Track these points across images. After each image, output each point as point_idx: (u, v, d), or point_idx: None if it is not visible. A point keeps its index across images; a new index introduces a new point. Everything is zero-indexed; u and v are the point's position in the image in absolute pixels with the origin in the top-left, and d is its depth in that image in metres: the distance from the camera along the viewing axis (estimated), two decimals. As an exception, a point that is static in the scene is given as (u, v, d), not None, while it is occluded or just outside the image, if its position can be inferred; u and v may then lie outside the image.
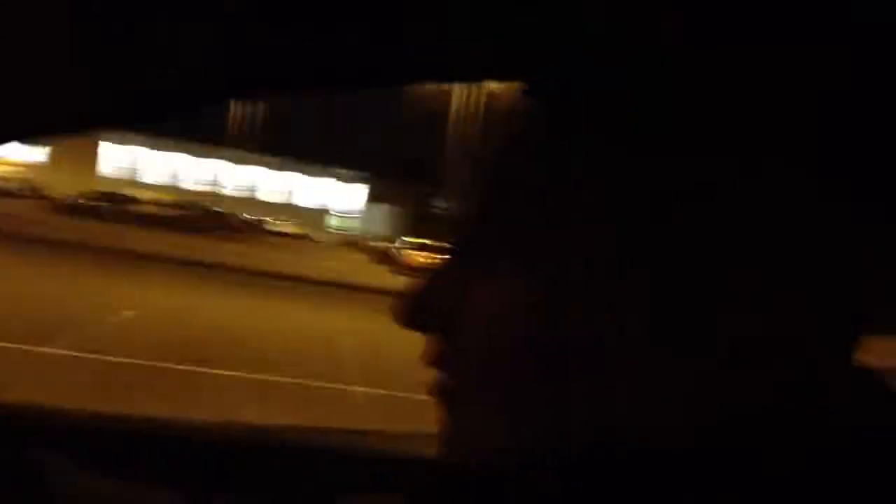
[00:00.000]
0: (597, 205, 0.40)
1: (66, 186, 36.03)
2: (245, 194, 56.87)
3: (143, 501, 0.98)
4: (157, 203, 33.58)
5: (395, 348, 5.29)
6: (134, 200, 32.16)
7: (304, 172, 58.95)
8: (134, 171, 54.79)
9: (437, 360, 0.46)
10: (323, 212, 58.48)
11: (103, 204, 30.37)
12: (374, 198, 58.72)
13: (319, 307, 11.90)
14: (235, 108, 56.01)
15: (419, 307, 0.47)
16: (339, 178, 59.65)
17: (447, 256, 0.48)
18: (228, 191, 56.08)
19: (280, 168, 58.12)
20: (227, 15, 0.50)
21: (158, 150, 55.70)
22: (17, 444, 1.02)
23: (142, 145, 55.39)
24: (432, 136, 53.16)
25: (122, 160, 54.43)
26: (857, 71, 0.38)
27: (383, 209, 56.63)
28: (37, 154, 48.77)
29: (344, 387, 6.34)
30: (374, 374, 6.89)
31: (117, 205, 30.88)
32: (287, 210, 55.30)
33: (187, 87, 0.59)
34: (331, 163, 60.07)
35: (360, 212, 58.99)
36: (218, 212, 37.35)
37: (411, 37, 0.50)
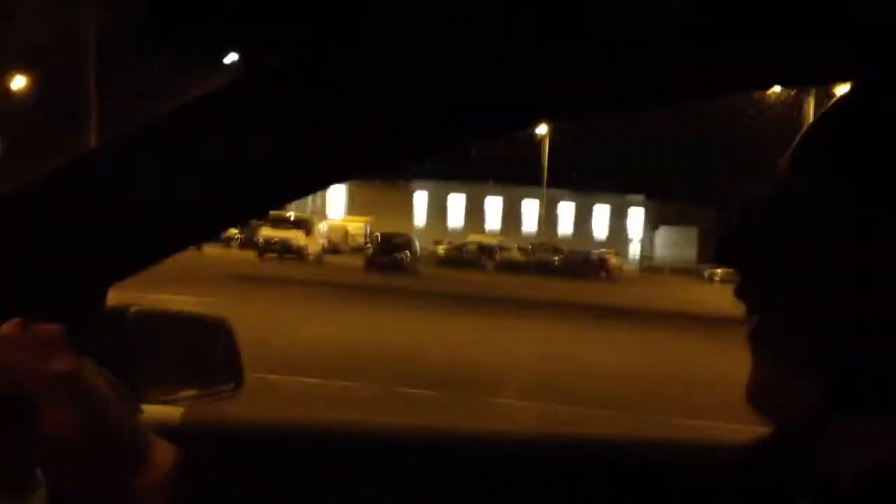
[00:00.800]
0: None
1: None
2: (565, 231, 61.14)
3: None
4: (524, 249, 40.43)
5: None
6: (500, 248, 38.67)
7: (599, 201, 62.61)
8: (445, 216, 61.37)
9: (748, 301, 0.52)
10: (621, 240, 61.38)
11: (473, 253, 37.69)
12: (663, 221, 61.54)
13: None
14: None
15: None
16: (632, 203, 62.95)
17: None
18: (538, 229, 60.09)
19: (573, 199, 61.96)
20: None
21: (461, 193, 61.36)
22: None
23: (447, 191, 61.56)
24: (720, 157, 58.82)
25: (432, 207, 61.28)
26: None
27: (680, 232, 59.92)
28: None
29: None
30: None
31: (485, 253, 37.58)
32: (585, 240, 58.23)
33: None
34: (615, 189, 62.14)
35: (653, 236, 62.09)
36: (588, 253, 41.71)
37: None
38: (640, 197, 62.65)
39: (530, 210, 63.27)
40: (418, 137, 0.76)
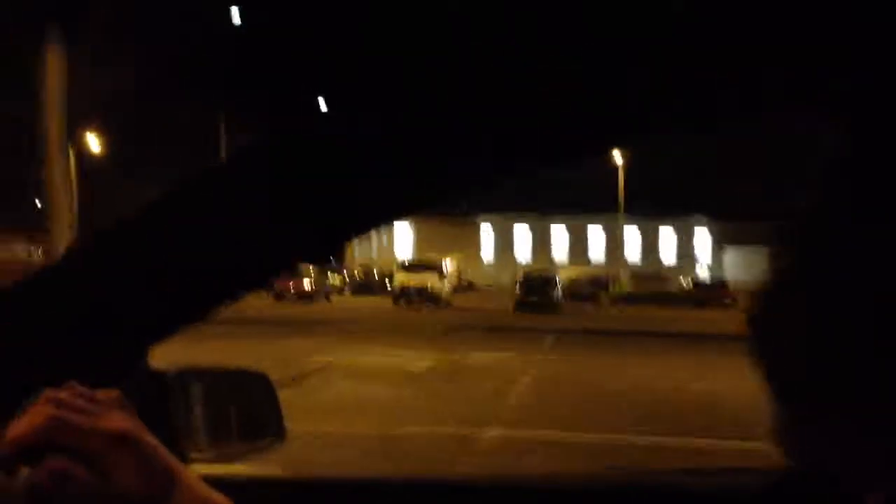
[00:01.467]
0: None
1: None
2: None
3: None
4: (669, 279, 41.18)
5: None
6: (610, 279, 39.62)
7: (663, 223, 62.72)
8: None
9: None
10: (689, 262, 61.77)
11: (585, 286, 38.34)
12: (730, 240, 60.51)
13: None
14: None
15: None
16: (696, 223, 62.89)
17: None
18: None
19: (636, 223, 61.24)
20: None
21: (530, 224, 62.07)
22: None
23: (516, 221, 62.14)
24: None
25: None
26: None
27: (751, 251, 59.07)
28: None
29: None
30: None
31: (597, 286, 37.87)
32: (654, 263, 59.50)
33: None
34: (679, 211, 61.93)
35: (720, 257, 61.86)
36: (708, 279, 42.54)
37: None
38: (704, 217, 62.46)
39: (595, 237, 63.33)
40: (478, 166, 0.75)
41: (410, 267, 33.26)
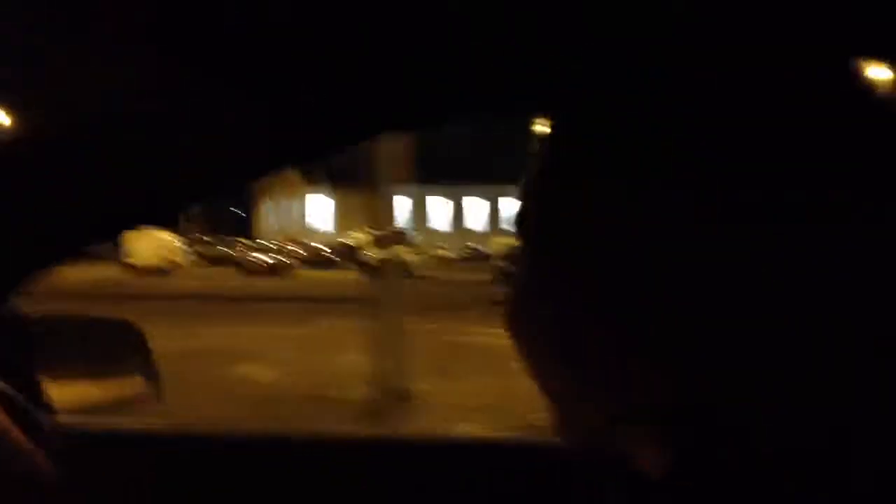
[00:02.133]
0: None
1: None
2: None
3: None
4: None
5: None
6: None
7: (471, 195, 63.43)
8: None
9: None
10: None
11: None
12: None
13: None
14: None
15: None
16: (502, 194, 63.42)
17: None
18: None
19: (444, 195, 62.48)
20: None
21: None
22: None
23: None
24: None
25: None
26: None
27: None
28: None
29: None
30: None
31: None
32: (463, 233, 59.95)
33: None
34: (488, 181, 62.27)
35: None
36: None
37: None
38: (512, 187, 66.96)
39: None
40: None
41: (381, 238, 32.86)
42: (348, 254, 33.23)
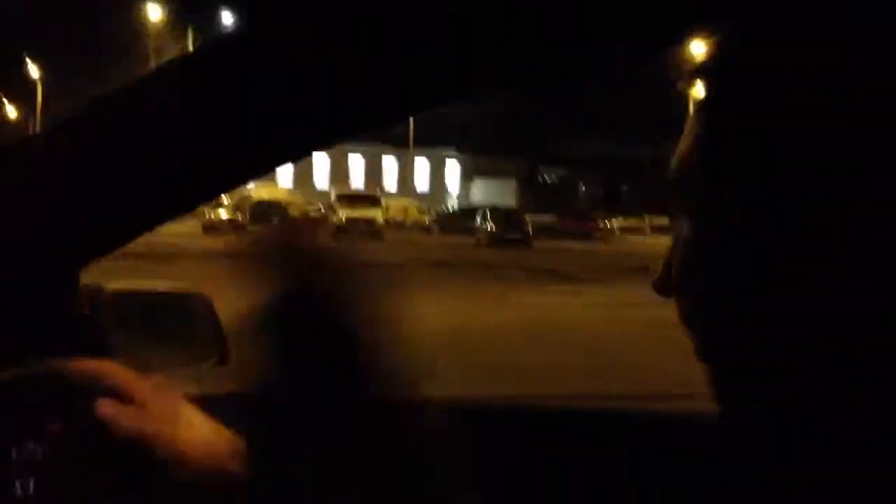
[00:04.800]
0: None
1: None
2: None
3: None
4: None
5: None
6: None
7: (418, 155, 63.40)
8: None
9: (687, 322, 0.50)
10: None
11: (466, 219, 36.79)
12: (478, 173, 64.85)
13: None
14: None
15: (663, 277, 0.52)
16: (447, 156, 65.14)
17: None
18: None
19: (394, 154, 62.61)
20: None
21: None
22: None
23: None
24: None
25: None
26: None
27: (499, 183, 63.03)
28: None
29: None
30: None
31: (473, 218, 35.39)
32: (409, 194, 60.15)
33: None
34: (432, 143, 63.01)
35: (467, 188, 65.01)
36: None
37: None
38: (453, 150, 66.05)
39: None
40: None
41: (352, 199, 32.26)
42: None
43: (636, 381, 6.58)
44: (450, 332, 8.62)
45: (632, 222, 51.30)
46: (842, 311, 0.42)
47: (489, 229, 30.11)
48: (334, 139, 0.75)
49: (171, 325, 1.15)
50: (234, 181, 0.78)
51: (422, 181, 66.86)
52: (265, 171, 0.78)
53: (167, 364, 1.03)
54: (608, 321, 10.02)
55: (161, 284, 1.24)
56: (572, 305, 11.85)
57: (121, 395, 0.63)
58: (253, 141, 0.72)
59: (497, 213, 33.05)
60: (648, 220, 52.60)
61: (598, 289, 14.03)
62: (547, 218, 39.99)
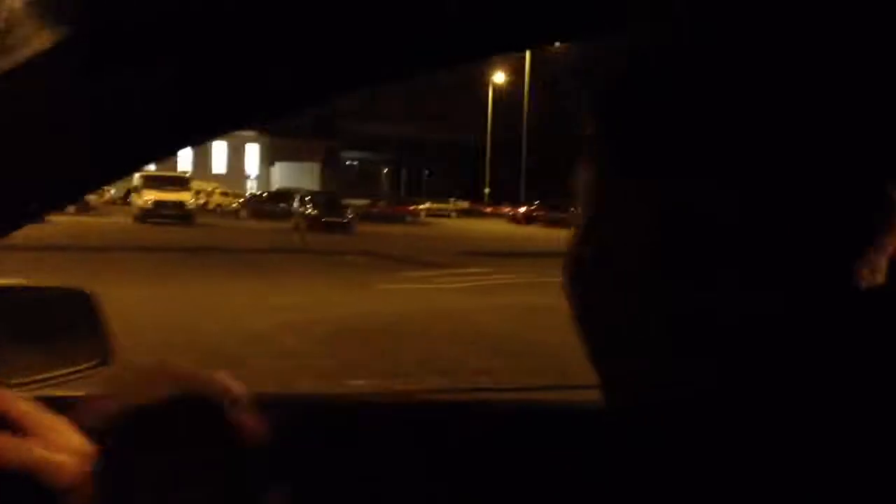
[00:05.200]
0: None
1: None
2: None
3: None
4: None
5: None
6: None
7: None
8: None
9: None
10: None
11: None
12: (279, 157, 64.31)
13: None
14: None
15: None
16: (247, 140, 63.52)
17: None
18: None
19: None
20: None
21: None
22: None
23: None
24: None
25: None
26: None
27: (300, 167, 63.18)
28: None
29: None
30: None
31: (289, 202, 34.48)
32: (206, 177, 57.90)
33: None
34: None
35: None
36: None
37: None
38: (253, 133, 66.55)
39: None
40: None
41: (158, 181, 28.95)
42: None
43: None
44: (343, 324, 8.43)
45: (437, 206, 52.28)
46: (746, 310, 0.43)
47: (309, 214, 29.61)
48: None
49: (47, 325, 1.07)
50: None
51: (219, 164, 65.13)
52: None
53: (42, 367, 0.98)
54: (494, 309, 10.05)
55: (36, 281, 1.16)
56: (444, 292, 11.81)
57: None
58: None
59: (318, 197, 32.63)
60: (454, 204, 54.03)
61: (452, 273, 14.08)
62: (360, 202, 39.96)
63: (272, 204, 37.75)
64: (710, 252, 0.42)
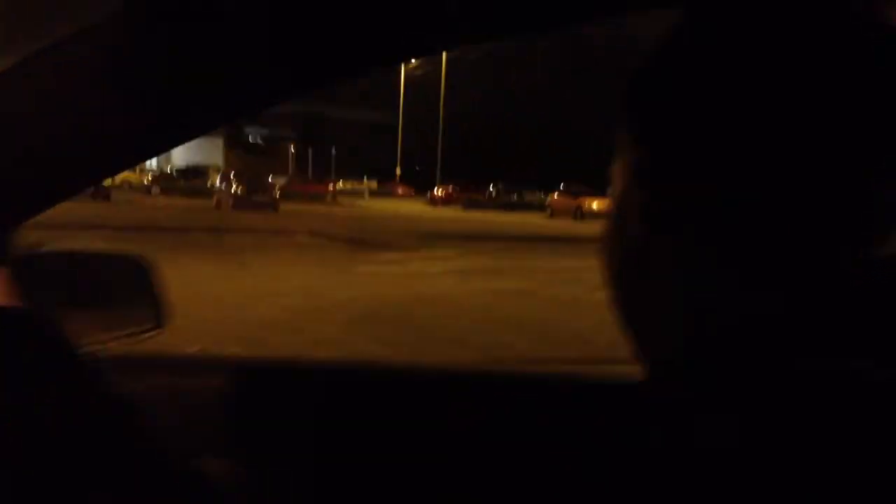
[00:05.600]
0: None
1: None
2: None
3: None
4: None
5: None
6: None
7: None
8: None
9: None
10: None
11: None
12: None
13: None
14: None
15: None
16: None
17: None
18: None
19: None
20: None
21: None
22: None
23: None
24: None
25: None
26: None
27: (198, 142, 62.47)
28: None
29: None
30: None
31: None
32: None
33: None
34: None
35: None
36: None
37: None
38: None
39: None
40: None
41: None
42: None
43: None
44: (356, 308, 8.12)
45: (350, 185, 51.59)
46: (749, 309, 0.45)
47: (234, 192, 28.95)
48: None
49: (106, 287, 1.12)
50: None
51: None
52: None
53: (101, 329, 1.02)
54: (495, 293, 9.89)
55: (97, 246, 1.21)
56: (427, 276, 11.58)
57: None
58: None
59: (243, 175, 32.15)
60: (367, 184, 53.48)
61: (423, 257, 13.87)
62: (279, 180, 39.09)
63: (185, 180, 36.49)
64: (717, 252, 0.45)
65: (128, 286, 1.14)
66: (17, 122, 0.70)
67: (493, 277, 11.31)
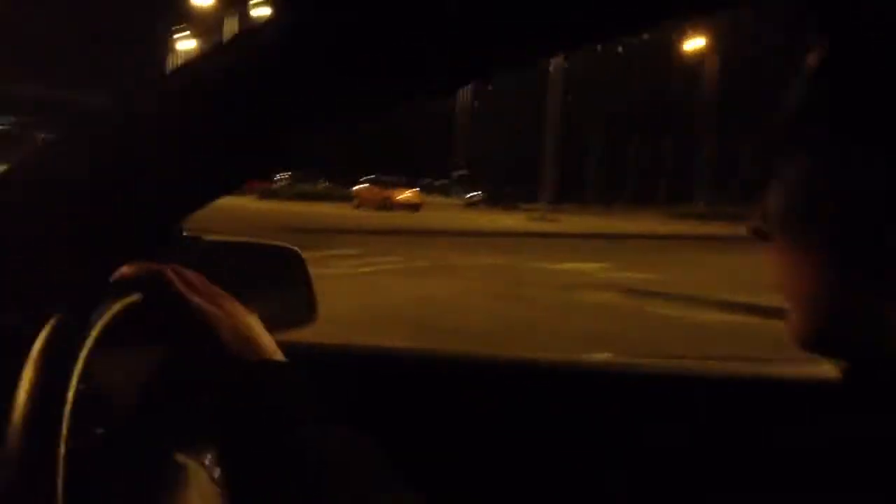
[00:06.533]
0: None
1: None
2: None
3: None
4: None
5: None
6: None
7: None
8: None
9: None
10: None
11: None
12: None
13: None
14: None
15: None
16: None
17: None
18: None
19: None
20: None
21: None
22: None
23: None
24: None
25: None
26: None
27: None
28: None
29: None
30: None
31: None
32: None
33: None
34: None
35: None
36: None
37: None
38: None
39: None
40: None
41: None
42: None
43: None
44: (364, 312, 7.79)
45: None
46: None
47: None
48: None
49: (264, 277, 1.16)
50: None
51: None
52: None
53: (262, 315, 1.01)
54: (473, 293, 10.12)
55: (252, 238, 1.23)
56: (384, 274, 11.63)
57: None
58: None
59: None
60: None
61: (365, 260, 13.52)
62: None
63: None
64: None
65: (284, 276, 1.19)
66: (189, 118, 0.74)
67: (452, 276, 11.81)
